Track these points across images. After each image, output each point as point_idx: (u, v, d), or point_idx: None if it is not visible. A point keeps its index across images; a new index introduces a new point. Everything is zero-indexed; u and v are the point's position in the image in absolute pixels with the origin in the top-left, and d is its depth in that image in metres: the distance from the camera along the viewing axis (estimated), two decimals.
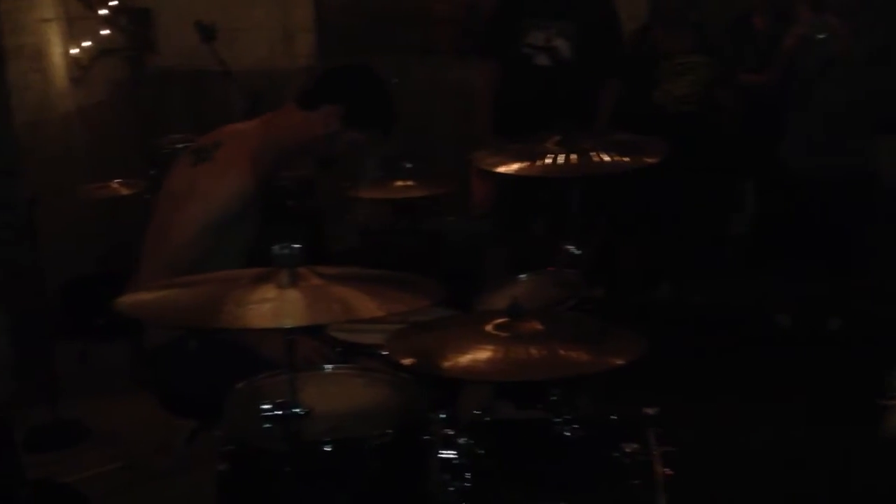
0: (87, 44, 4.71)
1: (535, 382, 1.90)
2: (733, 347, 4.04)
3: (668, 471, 1.73)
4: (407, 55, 5.23)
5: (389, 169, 3.41)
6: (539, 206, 3.82)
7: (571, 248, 2.38)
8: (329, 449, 1.66)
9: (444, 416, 1.81)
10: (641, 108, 4.16)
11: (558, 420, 1.82)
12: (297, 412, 1.58)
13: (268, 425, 1.58)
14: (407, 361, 1.77)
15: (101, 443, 3.35)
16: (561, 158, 2.33)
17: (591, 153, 2.34)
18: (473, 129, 3.96)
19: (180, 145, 4.05)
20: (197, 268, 2.13)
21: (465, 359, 1.75)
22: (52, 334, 3.52)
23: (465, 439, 1.77)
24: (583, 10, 3.82)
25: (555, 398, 1.85)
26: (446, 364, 1.74)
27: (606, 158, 2.35)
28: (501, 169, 2.37)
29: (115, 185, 3.94)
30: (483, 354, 1.74)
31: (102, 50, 4.92)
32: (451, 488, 1.75)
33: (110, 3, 4.93)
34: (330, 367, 1.98)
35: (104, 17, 4.90)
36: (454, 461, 1.76)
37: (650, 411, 1.84)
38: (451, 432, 1.78)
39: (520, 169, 2.34)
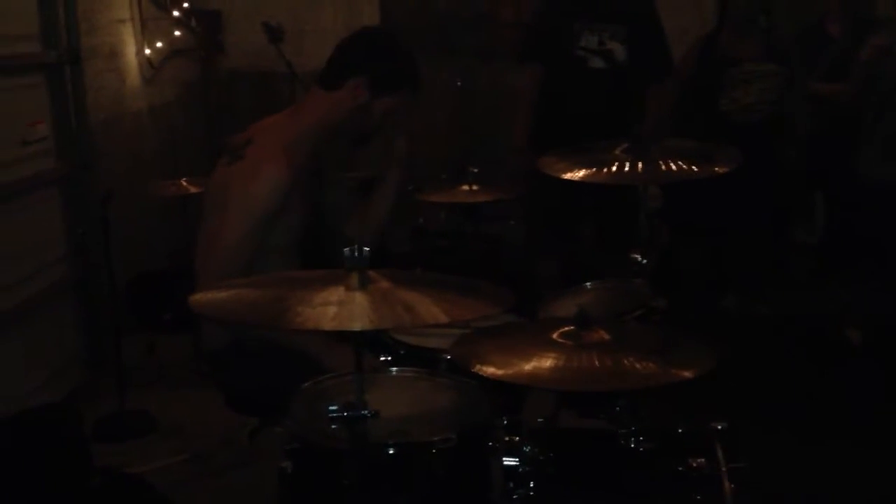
0: (159, 44, 4.83)
1: (600, 392, 1.89)
2: (801, 361, 3.95)
3: (734, 487, 1.70)
4: (472, 59, 5.25)
5: (454, 173, 3.42)
6: (584, 213, 3.81)
7: (637, 256, 2.35)
8: (393, 452, 1.67)
9: (507, 422, 1.80)
10: (707, 115, 4.11)
11: (623, 431, 1.80)
12: (365, 414, 1.59)
13: (334, 426, 1.60)
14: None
15: (166, 435, 3.43)
16: (628, 166, 2.31)
17: (660, 161, 2.32)
18: (520, 129, 3.93)
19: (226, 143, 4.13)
20: (253, 265, 2.17)
21: (530, 366, 1.74)
22: (121, 327, 3.60)
23: (529, 447, 1.77)
24: (632, 13, 3.82)
25: (619, 409, 1.83)
26: (510, 371, 1.73)
27: (674, 167, 2.32)
28: (568, 175, 2.35)
29: (184, 183, 4.01)
30: (547, 362, 1.73)
31: (174, 50, 5.03)
32: (515, 496, 1.75)
33: (182, 5, 5.05)
34: (395, 370, 1.99)
35: (176, 18, 5.01)
36: (518, 469, 1.76)
37: (718, 426, 1.81)
38: (515, 439, 1.77)
39: (586, 175, 2.32)
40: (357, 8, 5.54)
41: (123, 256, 3.86)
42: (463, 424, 1.74)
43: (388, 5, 5.55)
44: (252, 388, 2.29)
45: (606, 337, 1.78)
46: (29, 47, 3.60)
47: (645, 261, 2.34)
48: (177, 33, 5.04)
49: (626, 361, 1.70)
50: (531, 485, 1.76)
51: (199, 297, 1.69)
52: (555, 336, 1.79)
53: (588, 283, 2.43)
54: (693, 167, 2.32)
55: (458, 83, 5.09)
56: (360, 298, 1.58)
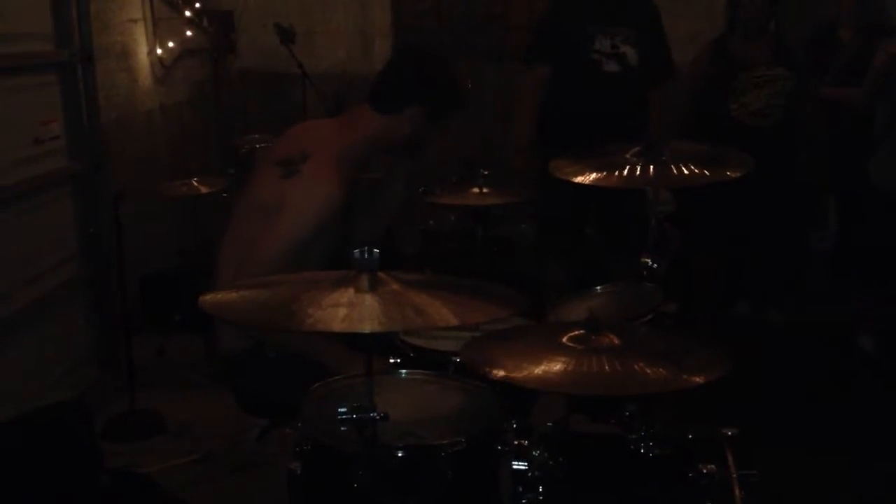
0: (171, 44, 4.84)
1: (610, 397, 1.88)
2: (814, 369, 3.93)
3: (745, 493, 1.69)
4: (483, 61, 5.24)
5: (465, 175, 3.42)
6: (592, 215, 3.80)
7: (648, 261, 2.35)
8: (402, 455, 1.67)
9: (516, 426, 1.80)
10: (718, 120, 4.10)
11: (633, 436, 1.80)
12: (374, 416, 1.59)
13: (344, 428, 1.60)
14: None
15: (175, 435, 3.44)
16: (639, 170, 2.30)
17: (672, 165, 2.31)
18: (525, 130, 3.93)
19: (258, 145, 4.13)
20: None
21: (539, 369, 1.74)
22: (131, 327, 3.61)
23: (539, 451, 1.76)
24: (640, 17, 3.83)
25: (629, 414, 1.82)
26: (520, 374, 1.73)
27: (686, 171, 2.31)
28: (579, 179, 2.35)
29: (195, 183, 4.02)
30: (557, 366, 1.73)
31: (185, 50, 5.05)
32: (524, 500, 1.74)
33: (194, 5, 5.06)
34: (404, 372, 1.99)
35: (188, 18, 5.03)
36: (527, 473, 1.75)
37: (729, 432, 1.80)
38: (524, 443, 1.77)
39: (597, 179, 2.32)
40: (369, 9, 5.55)
41: (134, 256, 3.87)
42: (472, 428, 1.74)
43: (399, 7, 5.55)
44: (268, 393, 2.30)
45: (616, 341, 1.77)
46: (41, 46, 3.62)
47: (656, 265, 2.33)
48: (188, 33, 5.05)
49: (636, 366, 1.70)
50: (540, 489, 1.76)
51: (210, 298, 1.69)
52: (565, 340, 1.79)
53: (598, 287, 2.43)
54: (705, 171, 2.31)
55: (469, 85, 5.08)
56: (369, 300, 1.58)
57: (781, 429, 3.27)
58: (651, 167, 2.30)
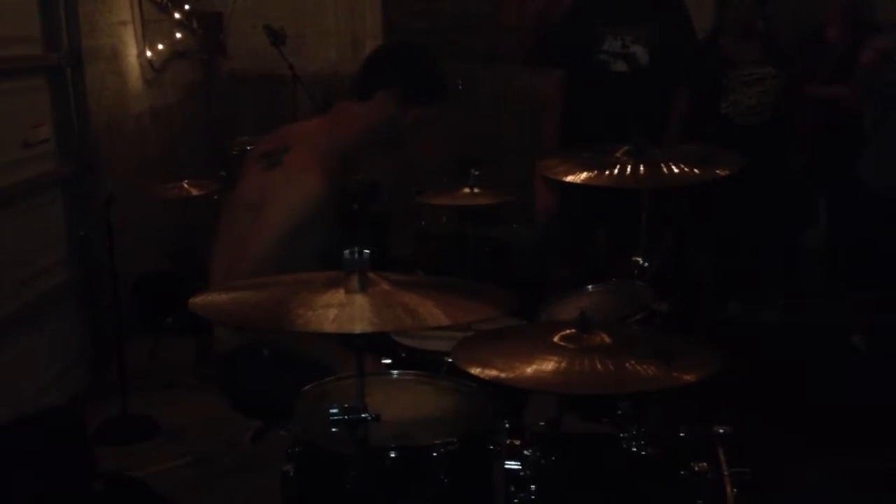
0: (160, 46, 4.83)
1: (602, 396, 1.88)
2: (806, 367, 3.94)
3: (737, 491, 1.69)
4: (474, 63, 5.25)
5: (456, 175, 3.42)
6: (604, 217, 3.79)
7: (639, 260, 2.35)
8: (395, 455, 1.67)
9: (509, 426, 1.80)
10: (708, 119, 4.11)
11: (625, 435, 1.80)
12: (365, 417, 1.59)
13: (335, 429, 1.59)
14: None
15: (169, 438, 3.43)
16: (630, 169, 2.31)
17: (662, 164, 2.32)
18: (540, 136, 3.93)
19: (249, 147, 4.13)
20: (277, 274, 2.17)
21: (531, 369, 1.74)
22: (123, 330, 3.60)
23: (531, 451, 1.76)
24: (657, 16, 3.76)
25: (621, 412, 1.83)
26: (511, 374, 1.73)
27: (676, 170, 2.32)
28: (569, 178, 2.35)
29: (186, 186, 4.01)
30: (549, 365, 1.73)
31: (175, 52, 5.03)
32: (517, 500, 1.74)
33: (184, 7, 5.05)
34: (396, 373, 1.99)
35: (178, 20, 5.02)
36: (520, 472, 1.75)
37: (721, 430, 1.80)
38: (517, 443, 1.77)
39: (588, 178, 2.32)
40: (359, 11, 5.55)
41: (126, 259, 3.85)
42: (465, 428, 1.74)
43: (390, 8, 5.55)
44: (263, 392, 2.29)
45: (608, 340, 1.77)
46: (30, 49, 3.61)
47: (647, 264, 2.34)
48: (178, 35, 5.04)
49: (627, 365, 1.70)
50: (533, 489, 1.76)
51: (199, 300, 1.68)
52: (556, 339, 1.79)
53: (590, 286, 2.43)
54: (695, 170, 2.32)
55: (460, 86, 5.10)
56: (360, 301, 1.58)
57: (774, 427, 3.28)
58: (641, 166, 2.31)
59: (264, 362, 2.28)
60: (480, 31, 5.43)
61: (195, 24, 5.23)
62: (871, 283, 3.98)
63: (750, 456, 1.80)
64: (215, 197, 3.94)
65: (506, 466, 1.76)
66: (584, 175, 2.33)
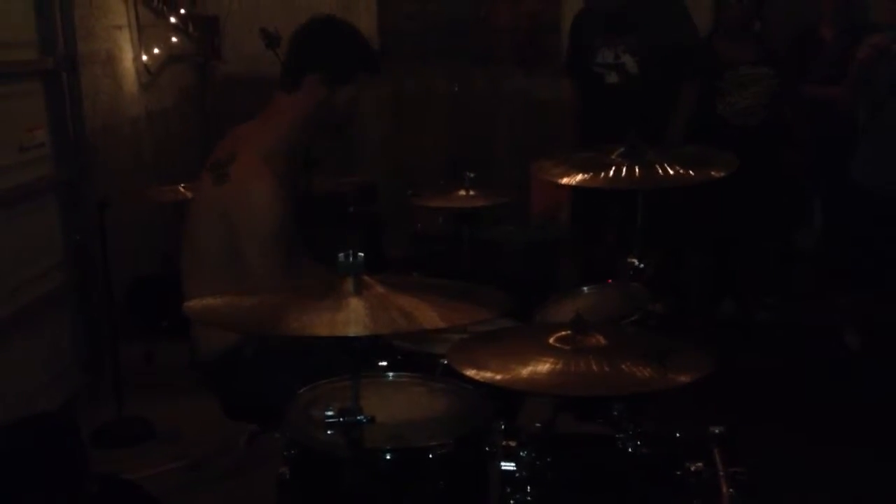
0: (156, 50, 4.83)
1: (597, 397, 1.88)
2: (800, 366, 3.94)
3: (732, 491, 1.70)
4: (468, 64, 5.25)
5: (451, 177, 3.42)
6: (610, 219, 3.80)
7: (634, 261, 2.36)
8: (390, 457, 1.67)
9: (504, 427, 1.80)
10: (704, 119, 4.11)
11: (620, 435, 1.80)
12: (360, 419, 1.59)
13: (330, 432, 1.59)
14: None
15: (164, 441, 3.42)
16: (625, 171, 2.31)
17: (657, 166, 2.32)
18: (534, 137, 3.97)
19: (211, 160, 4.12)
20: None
21: (526, 371, 1.74)
22: (118, 333, 3.60)
23: (527, 452, 1.76)
24: (647, 21, 3.77)
25: (616, 413, 1.83)
26: (507, 375, 1.73)
27: (671, 171, 2.32)
28: (565, 180, 2.35)
29: (182, 189, 4.00)
30: (544, 367, 1.73)
31: (171, 56, 5.03)
32: (512, 501, 1.75)
33: (179, 11, 5.05)
34: (391, 375, 1.99)
35: (173, 24, 5.02)
36: (515, 474, 1.75)
37: (717, 430, 1.80)
38: (512, 444, 1.77)
39: (583, 180, 2.32)
40: (354, 13, 5.54)
41: (121, 262, 3.85)
42: (460, 430, 1.74)
43: (384, 10, 5.56)
44: (248, 395, 2.29)
45: (603, 341, 1.78)
46: (26, 54, 3.60)
47: (642, 265, 2.34)
48: (174, 39, 5.04)
49: (623, 366, 1.70)
50: (528, 490, 1.76)
51: (195, 304, 1.69)
52: (551, 341, 1.79)
53: (585, 288, 2.43)
54: (690, 171, 2.32)
55: (455, 88, 5.10)
56: (355, 304, 1.58)
57: (769, 427, 3.28)
58: (636, 168, 2.31)
59: (247, 365, 2.27)
60: (474, 32, 5.44)
61: (191, 28, 5.23)
62: (865, 283, 3.99)
63: (745, 455, 1.80)
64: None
65: (501, 468, 1.76)
66: (579, 177, 2.33)
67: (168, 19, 4.98)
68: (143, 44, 4.68)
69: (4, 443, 2.56)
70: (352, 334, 1.53)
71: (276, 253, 2.23)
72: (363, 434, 1.60)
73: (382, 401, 1.84)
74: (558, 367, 1.71)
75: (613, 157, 2.35)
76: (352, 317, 1.55)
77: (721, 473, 1.74)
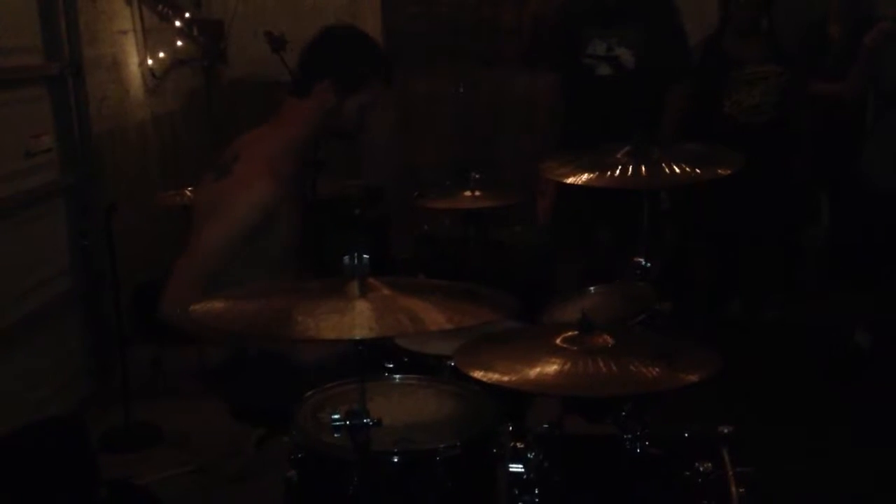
0: (161, 55, 4.83)
1: (605, 397, 1.87)
2: (809, 366, 3.92)
3: (741, 491, 1.68)
4: (474, 65, 5.25)
5: (456, 178, 3.42)
6: (607, 218, 3.78)
7: (641, 260, 2.35)
8: (397, 460, 1.67)
9: (512, 429, 1.79)
10: (711, 118, 4.10)
11: (629, 436, 1.79)
12: (367, 422, 1.58)
13: (337, 434, 1.59)
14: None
15: (172, 445, 3.43)
16: (631, 170, 2.30)
17: (663, 164, 2.31)
18: (540, 139, 3.94)
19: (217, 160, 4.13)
20: (222, 279, 2.17)
21: (534, 372, 1.73)
22: (126, 338, 3.60)
23: (534, 454, 1.76)
24: (644, 17, 3.74)
25: (624, 414, 1.82)
26: (514, 377, 1.72)
27: (678, 170, 2.31)
28: (571, 180, 2.34)
29: (188, 193, 4.00)
30: (552, 368, 1.72)
31: (176, 60, 5.04)
32: (520, 503, 1.74)
33: (185, 15, 5.06)
34: (398, 377, 1.98)
35: (179, 28, 5.02)
36: (523, 476, 1.74)
37: (725, 430, 1.79)
38: (520, 446, 1.76)
39: (589, 180, 2.31)
40: (359, 15, 5.55)
41: (128, 267, 3.86)
42: (467, 431, 1.73)
43: (389, 12, 5.56)
44: (254, 398, 2.29)
45: (611, 341, 1.77)
46: (31, 59, 3.61)
47: (649, 264, 2.33)
48: (179, 43, 5.05)
49: (631, 366, 1.69)
50: (536, 491, 1.75)
51: (199, 308, 1.68)
52: (559, 341, 1.78)
53: (592, 288, 2.42)
54: (696, 170, 2.31)
55: (461, 89, 5.10)
56: (361, 306, 1.58)
57: (777, 426, 3.27)
58: (643, 167, 2.30)
59: (252, 368, 2.27)
60: (480, 33, 5.43)
61: (196, 32, 5.23)
62: (873, 281, 3.97)
63: (754, 455, 1.79)
64: None
65: (509, 469, 1.75)
66: (585, 176, 2.32)
67: (173, 23, 4.98)
68: (148, 48, 4.69)
69: (15, 448, 2.57)
70: (357, 337, 1.53)
71: (224, 255, 2.23)
72: (370, 437, 1.59)
73: (390, 403, 1.84)
74: (566, 367, 1.70)
75: (619, 156, 2.34)
76: (357, 320, 1.54)
77: (730, 473, 1.73)
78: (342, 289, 1.61)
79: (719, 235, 4.31)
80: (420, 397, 1.90)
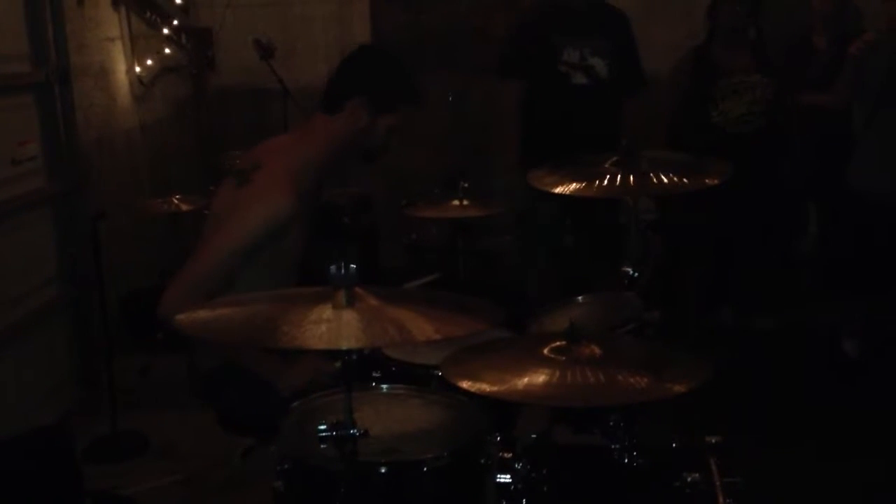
0: (149, 62, 4.82)
1: (593, 407, 1.87)
2: (798, 374, 3.93)
3: (729, 501, 1.68)
4: (463, 74, 5.25)
5: (445, 188, 3.42)
6: (574, 225, 3.80)
7: (629, 269, 2.34)
8: (384, 471, 1.66)
9: (500, 439, 1.79)
10: (699, 128, 4.12)
11: (616, 446, 1.79)
12: (353, 433, 1.57)
13: (324, 445, 1.58)
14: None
15: (159, 455, 3.41)
16: (619, 179, 2.30)
17: (651, 174, 2.31)
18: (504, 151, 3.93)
19: (235, 164, 4.12)
20: (228, 286, 2.18)
21: (522, 382, 1.73)
22: (113, 347, 3.58)
23: (522, 464, 1.75)
24: (610, 28, 3.83)
25: (612, 424, 1.82)
26: (501, 387, 1.72)
27: (665, 180, 2.31)
28: (559, 189, 2.34)
29: (176, 201, 4.00)
30: (539, 378, 1.72)
31: (164, 68, 5.03)
32: None
33: (173, 23, 5.05)
34: (385, 387, 1.98)
35: (166, 36, 5.01)
36: (511, 486, 1.74)
37: (713, 440, 1.79)
38: (507, 456, 1.76)
39: (577, 189, 2.31)
40: (348, 23, 5.55)
41: (116, 275, 3.84)
42: (455, 442, 1.73)
43: (378, 21, 5.56)
44: (248, 405, 2.28)
45: (598, 351, 1.76)
46: (18, 67, 3.60)
47: (637, 274, 2.33)
48: (167, 51, 5.04)
49: (618, 376, 1.69)
50: (524, 502, 1.74)
51: (185, 317, 1.67)
52: (546, 351, 1.78)
53: (580, 297, 2.42)
54: (684, 179, 2.31)
55: (450, 98, 5.10)
56: (348, 316, 1.57)
57: (767, 434, 3.27)
58: (630, 176, 2.31)
59: (241, 379, 2.26)
60: (469, 42, 5.44)
61: (184, 40, 5.22)
62: (861, 289, 3.98)
63: (741, 464, 1.79)
64: (206, 212, 3.91)
65: (497, 480, 1.74)
66: (573, 186, 2.32)
67: (161, 31, 4.97)
68: (136, 55, 4.68)
69: (0, 459, 2.55)
70: (344, 347, 1.52)
71: (233, 262, 2.22)
72: (358, 447, 1.59)
73: (377, 413, 1.83)
74: (554, 377, 1.69)
75: (607, 165, 2.34)
76: (344, 330, 1.54)
77: (717, 484, 1.72)
78: (329, 299, 1.60)
79: (709, 243, 4.32)
80: (408, 407, 1.90)
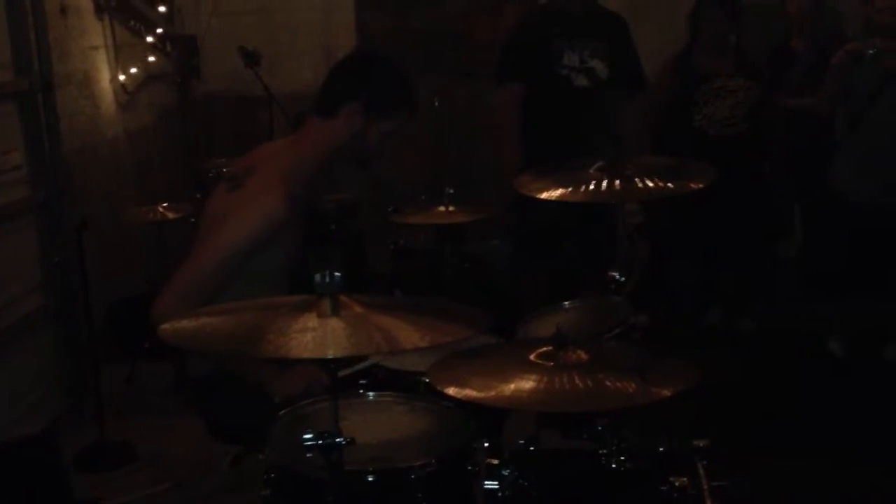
0: (134, 70, 4.80)
1: (580, 413, 1.87)
2: (784, 375, 3.95)
3: None
4: (449, 79, 5.25)
5: (431, 193, 3.42)
6: (567, 231, 3.81)
7: (615, 274, 2.35)
8: (372, 478, 1.66)
9: (487, 445, 1.79)
10: (683, 132, 4.14)
11: (604, 451, 1.79)
12: (339, 441, 1.57)
13: (310, 454, 1.58)
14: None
15: (147, 464, 3.39)
16: (605, 184, 2.31)
17: (636, 179, 2.32)
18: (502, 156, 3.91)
19: (225, 169, 4.10)
20: (221, 292, 2.16)
21: (509, 388, 1.73)
22: (99, 355, 3.56)
23: (510, 470, 1.75)
24: (609, 30, 3.84)
25: (600, 428, 1.82)
26: (488, 393, 1.72)
27: (650, 184, 2.32)
28: (545, 195, 2.35)
29: (161, 209, 3.99)
30: (527, 383, 1.72)
31: (149, 76, 5.01)
32: None
33: (157, 31, 5.03)
34: (373, 394, 1.97)
35: (151, 44, 5.00)
36: (498, 493, 1.74)
37: (700, 444, 1.80)
38: (495, 462, 1.76)
39: (563, 195, 2.32)
40: (333, 30, 5.55)
41: (101, 284, 3.82)
42: (442, 449, 1.73)
43: (364, 26, 5.56)
44: (238, 413, 2.27)
45: (585, 357, 1.76)
46: (0, 76, 3.58)
47: (623, 278, 2.33)
48: (152, 59, 5.02)
49: (606, 381, 1.69)
50: None
51: (169, 326, 1.66)
52: (533, 357, 1.78)
53: (567, 302, 2.42)
54: (669, 184, 2.32)
55: (436, 103, 5.11)
56: (334, 325, 1.57)
57: (755, 435, 3.28)
58: (616, 181, 2.31)
59: (233, 386, 2.25)
60: (455, 47, 5.44)
61: (169, 48, 5.21)
62: (846, 290, 4.01)
63: (729, 466, 1.79)
64: (191, 220, 3.91)
65: (484, 487, 1.74)
66: (559, 191, 2.32)
67: (145, 39, 4.95)
68: (120, 64, 4.66)
69: None
70: (330, 356, 1.52)
71: (226, 267, 2.21)
72: (345, 455, 1.58)
73: (364, 421, 1.83)
74: (541, 383, 1.69)
75: (592, 170, 2.35)
76: (330, 338, 1.53)
77: (705, 487, 1.73)
78: (315, 307, 1.60)
79: (695, 246, 4.34)
80: (395, 414, 1.90)
